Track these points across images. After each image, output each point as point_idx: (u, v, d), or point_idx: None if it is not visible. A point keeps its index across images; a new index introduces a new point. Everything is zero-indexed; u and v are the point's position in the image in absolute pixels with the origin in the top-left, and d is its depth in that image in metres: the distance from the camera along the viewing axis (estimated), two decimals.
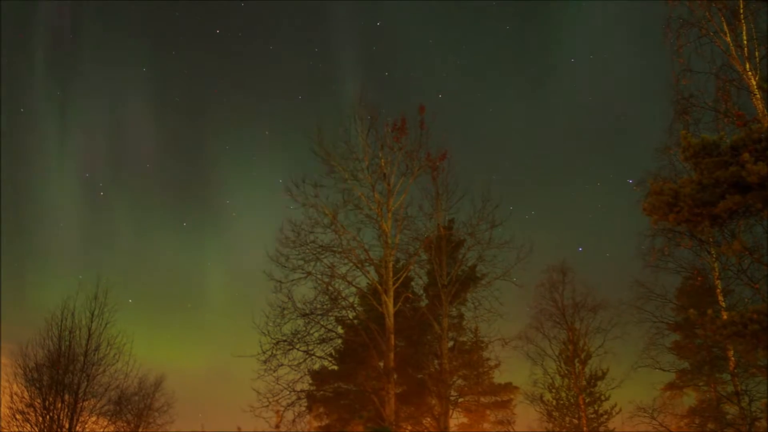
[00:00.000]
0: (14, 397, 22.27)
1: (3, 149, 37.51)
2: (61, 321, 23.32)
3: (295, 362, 22.43)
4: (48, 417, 22.21)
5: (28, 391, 22.45)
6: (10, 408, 22.22)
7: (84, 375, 22.98)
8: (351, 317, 23.64)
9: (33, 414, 22.23)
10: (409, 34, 45.16)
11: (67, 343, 23.14)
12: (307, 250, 22.48)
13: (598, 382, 26.64)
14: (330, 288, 22.71)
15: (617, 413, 26.12)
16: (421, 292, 25.70)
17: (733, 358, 22.41)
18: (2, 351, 23.86)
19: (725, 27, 17.45)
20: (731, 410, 23.17)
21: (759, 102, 16.37)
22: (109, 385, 23.54)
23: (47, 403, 22.36)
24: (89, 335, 23.44)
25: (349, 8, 43.15)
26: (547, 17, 43.87)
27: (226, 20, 44.72)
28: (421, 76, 45.12)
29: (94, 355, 23.33)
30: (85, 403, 22.99)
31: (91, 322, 23.58)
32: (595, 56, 41.06)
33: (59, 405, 22.44)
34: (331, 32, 45.44)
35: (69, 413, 22.47)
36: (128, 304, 26.01)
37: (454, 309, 24.99)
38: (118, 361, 23.66)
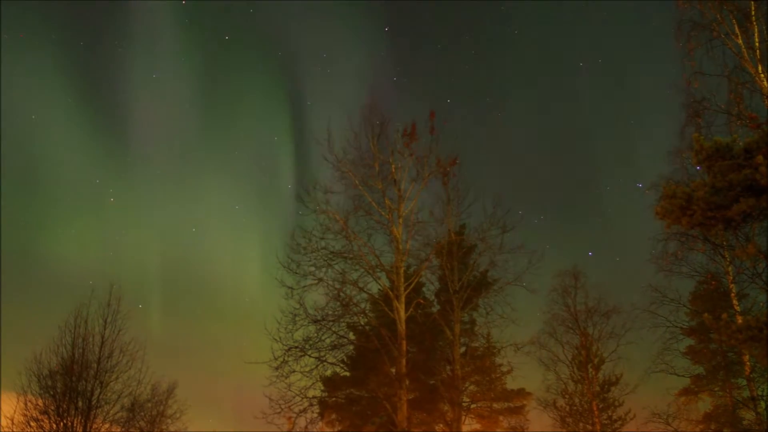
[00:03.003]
0: (28, 404, 22.43)
1: (12, 154, 38.00)
2: (75, 328, 23.50)
3: (307, 369, 22.42)
4: (62, 424, 22.33)
5: (42, 398, 22.59)
6: (25, 415, 22.38)
7: (97, 382, 23.09)
8: (362, 323, 23.60)
9: (47, 421, 22.37)
10: (417, 38, 45.30)
11: (81, 350, 23.29)
12: (318, 257, 22.49)
13: (612, 388, 26.47)
14: (341, 294, 22.70)
15: (631, 419, 25.97)
16: (433, 297, 25.66)
17: (748, 363, 22.22)
18: (18, 358, 24.02)
19: (737, 29, 17.33)
20: (747, 415, 22.98)
21: None
22: (122, 391, 23.65)
23: (61, 410, 22.48)
24: (102, 342, 23.58)
25: (356, 13, 43.29)
26: (555, 21, 43.86)
27: (235, 25, 44.99)
28: (429, 81, 45.23)
29: (107, 362, 23.45)
30: (99, 410, 23.10)
31: (104, 329, 23.73)
32: (604, 60, 40.99)
33: (73, 412, 22.55)
34: (338, 37, 45.60)
35: (82, 420, 22.57)
36: (138, 310, 26.05)
37: (465, 314, 24.90)
38: (130, 367, 23.81)
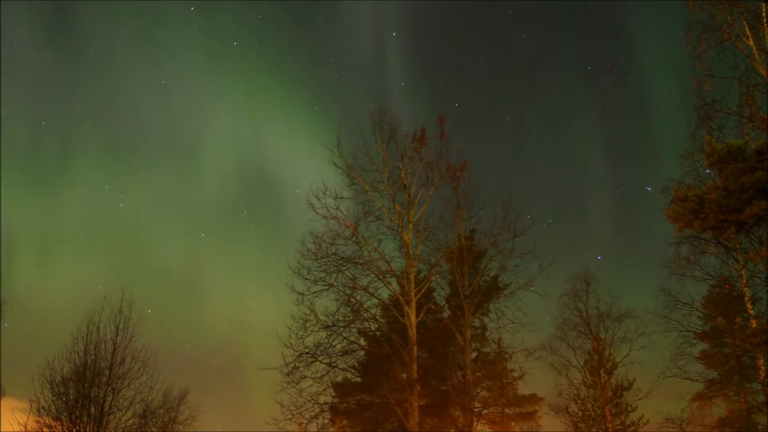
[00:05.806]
0: (41, 410, 22.55)
1: (19, 159, 38.37)
2: (87, 335, 23.62)
3: (318, 374, 22.37)
4: (74, 430, 22.43)
5: (54, 404, 22.71)
6: (38, 421, 22.50)
7: (109, 388, 23.19)
8: (373, 329, 23.55)
9: (60, 427, 22.48)
10: (424, 42, 45.40)
11: (93, 356, 23.39)
12: (329, 262, 22.46)
13: (625, 393, 26.25)
14: (352, 300, 22.68)
15: (645, 424, 25.74)
16: (444, 302, 25.57)
17: (763, 367, 21.99)
18: (30, 365, 24.16)
19: (748, 31, 17.24)
20: (762, 421, 22.76)
21: None
22: (134, 398, 23.75)
23: (73, 416, 22.57)
24: (114, 349, 23.69)
25: (364, 18, 43.49)
26: (562, 25, 43.88)
27: (243, 32, 45.24)
28: (436, 85, 45.32)
29: (119, 368, 23.55)
30: (111, 417, 23.19)
31: (116, 335, 23.85)
32: (612, 63, 40.98)
33: (85, 418, 22.65)
34: (346, 43, 45.81)
35: (95, 426, 22.66)
36: (147, 315, 26.09)
37: (476, 320, 24.83)
38: (142, 374, 23.90)
